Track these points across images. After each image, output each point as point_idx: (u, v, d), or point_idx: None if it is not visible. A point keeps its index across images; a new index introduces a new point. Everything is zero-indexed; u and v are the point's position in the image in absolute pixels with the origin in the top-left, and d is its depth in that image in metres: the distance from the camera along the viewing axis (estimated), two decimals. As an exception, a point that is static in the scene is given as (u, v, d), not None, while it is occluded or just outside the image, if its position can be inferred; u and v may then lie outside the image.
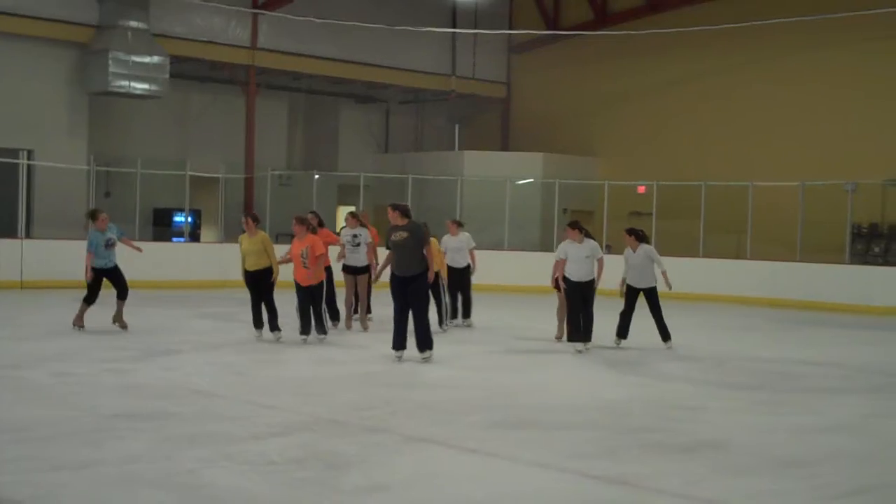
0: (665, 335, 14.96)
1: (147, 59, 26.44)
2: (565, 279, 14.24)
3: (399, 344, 12.88)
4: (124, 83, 26.24)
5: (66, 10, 26.28)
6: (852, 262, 24.62)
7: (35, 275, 22.06)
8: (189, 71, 29.48)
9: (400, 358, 12.80)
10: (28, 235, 23.75)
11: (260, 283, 14.63)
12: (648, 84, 31.74)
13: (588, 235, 14.38)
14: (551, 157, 31.74)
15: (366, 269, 16.08)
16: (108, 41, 26.07)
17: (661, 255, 14.87)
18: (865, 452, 8.56)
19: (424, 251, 12.79)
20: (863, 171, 25.35)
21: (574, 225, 14.32)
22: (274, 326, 14.66)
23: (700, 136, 30.22)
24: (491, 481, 7.21)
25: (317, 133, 34.29)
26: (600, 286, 14.42)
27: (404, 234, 12.80)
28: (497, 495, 6.84)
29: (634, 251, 14.75)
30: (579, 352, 14.07)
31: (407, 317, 12.85)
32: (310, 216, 15.30)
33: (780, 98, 28.75)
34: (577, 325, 14.22)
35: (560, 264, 14.30)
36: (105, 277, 15.09)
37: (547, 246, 28.32)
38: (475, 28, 32.39)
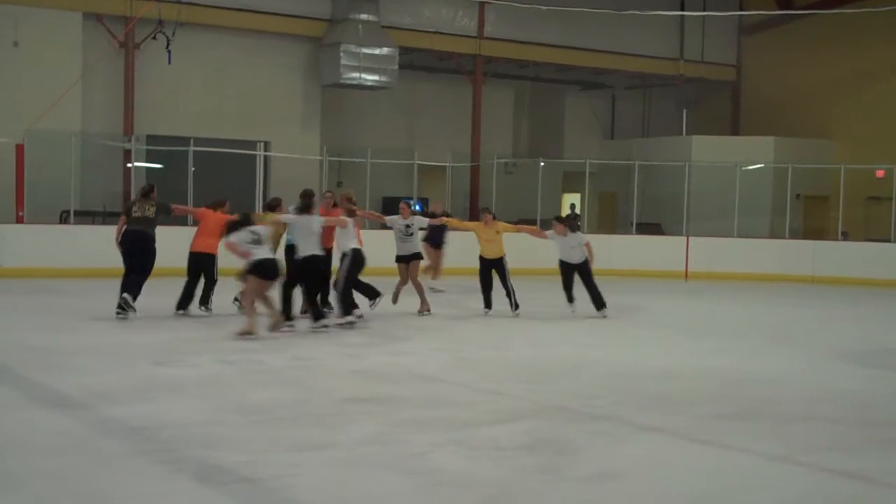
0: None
1: (377, 51, 27.09)
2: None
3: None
4: (355, 75, 27.00)
5: (301, 5, 27.25)
6: None
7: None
8: (417, 61, 30.03)
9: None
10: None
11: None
12: (888, 62, 30.36)
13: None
14: (784, 141, 30.79)
15: (418, 256, 16.47)
16: (341, 34, 26.84)
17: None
18: None
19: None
20: None
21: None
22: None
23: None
24: (723, 473, 7.06)
25: (542, 120, 34.35)
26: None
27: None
28: (729, 487, 6.69)
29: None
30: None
31: None
32: (328, 195, 15.66)
33: None
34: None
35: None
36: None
37: (778, 233, 27.52)
38: (704, 10, 31.74)
